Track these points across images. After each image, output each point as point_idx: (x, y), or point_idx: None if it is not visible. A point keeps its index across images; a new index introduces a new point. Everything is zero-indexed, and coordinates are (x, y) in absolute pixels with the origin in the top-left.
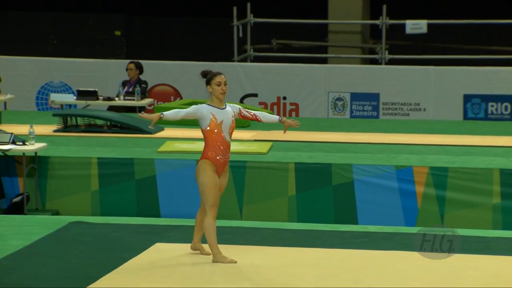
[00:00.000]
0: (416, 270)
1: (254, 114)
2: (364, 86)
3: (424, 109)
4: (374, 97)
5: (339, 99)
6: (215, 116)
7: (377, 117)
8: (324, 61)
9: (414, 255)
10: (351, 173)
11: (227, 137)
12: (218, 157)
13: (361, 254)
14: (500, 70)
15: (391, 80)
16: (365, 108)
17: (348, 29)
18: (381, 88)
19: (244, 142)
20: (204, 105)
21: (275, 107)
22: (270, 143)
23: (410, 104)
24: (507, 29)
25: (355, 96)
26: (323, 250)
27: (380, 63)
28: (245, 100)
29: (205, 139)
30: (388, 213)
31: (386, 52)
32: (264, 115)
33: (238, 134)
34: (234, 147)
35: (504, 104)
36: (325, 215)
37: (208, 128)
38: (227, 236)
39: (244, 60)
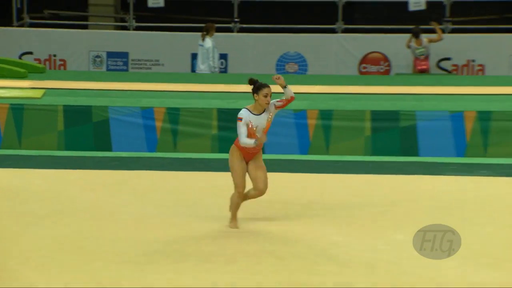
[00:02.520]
0: (153, 185)
1: (284, 100)
2: (117, 47)
3: (163, 64)
4: (125, 55)
5: (97, 56)
6: (252, 123)
7: (127, 70)
8: (86, 27)
9: (155, 174)
10: (107, 113)
11: (261, 137)
12: (247, 148)
13: (113, 173)
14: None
15: (138, 42)
16: (118, 63)
17: (104, 2)
18: (130, 49)
19: (22, 90)
20: (244, 110)
21: (47, 62)
22: (43, 90)
23: (152, 60)
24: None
25: (110, 54)
26: (84, 171)
27: (129, 29)
28: (23, 57)
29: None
30: (134, 143)
31: (134, 21)
32: (286, 94)
33: (17, 83)
34: (14, 93)
35: (221, 60)
36: (87, 145)
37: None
38: (8, 162)
39: (22, 26)
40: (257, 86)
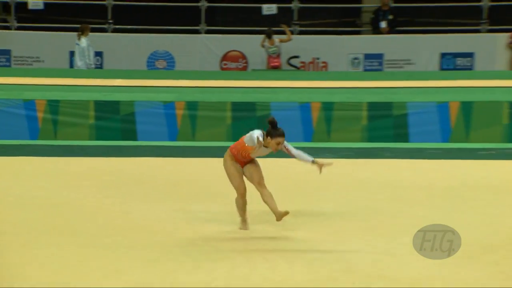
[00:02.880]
0: (35, 169)
1: (290, 151)
2: (0, 45)
3: (43, 61)
4: (7, 52)
5: None
6: (257, 148)
7: (9, 66)
8: None
9: (37, 160)
10: None
11: (253, 156)
12: (238, 156)
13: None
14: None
15: (20, 41)
16: (1, 60)
17: None
18: (12, 46)
19: None
20: (260, 135)
21: None
22: None
23: (33, 57)
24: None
25: None
26: None
27: (11, 29)
28: None
29: (240, 142)
30: (17, 132)
31: (15, 21)
32: (299, 154)
33: None
34: None
35: (97, 57)
36: None
37: (246, 146)
38: None
39: None
40: (274, 132)
